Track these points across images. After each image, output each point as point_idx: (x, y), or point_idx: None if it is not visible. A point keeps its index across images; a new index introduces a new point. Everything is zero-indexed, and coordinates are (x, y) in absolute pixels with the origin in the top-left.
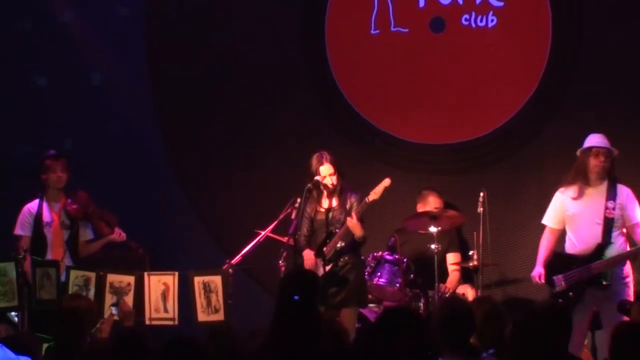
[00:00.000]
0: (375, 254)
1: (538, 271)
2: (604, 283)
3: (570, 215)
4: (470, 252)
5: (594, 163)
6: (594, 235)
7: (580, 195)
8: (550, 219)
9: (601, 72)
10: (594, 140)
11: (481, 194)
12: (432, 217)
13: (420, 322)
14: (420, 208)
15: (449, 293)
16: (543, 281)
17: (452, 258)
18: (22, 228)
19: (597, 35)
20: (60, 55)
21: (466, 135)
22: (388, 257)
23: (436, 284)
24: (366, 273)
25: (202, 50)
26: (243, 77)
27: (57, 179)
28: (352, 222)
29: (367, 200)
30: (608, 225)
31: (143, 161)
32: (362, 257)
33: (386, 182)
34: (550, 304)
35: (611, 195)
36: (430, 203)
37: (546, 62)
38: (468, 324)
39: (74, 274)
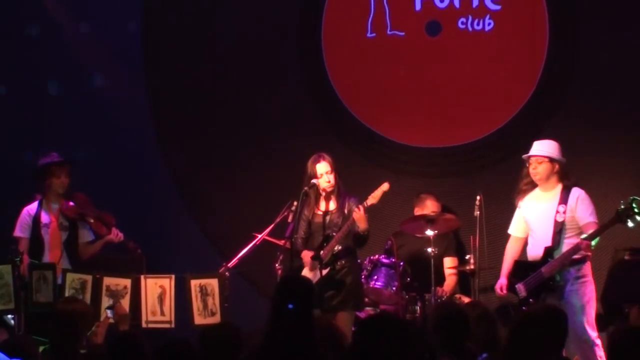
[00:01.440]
0: (371, 257)
1: (500, 283)
2: (553, 284)
3: (527, 221)
4: (467, 256)
5: (529, 171)
6: (546, 239)
7: (534, 201)
8: (513, 228)
9: (599, 74)
10: (531, 148)
11: (478, 198)
12: (428, 221)
13: (402, 327)
14: (418, 212)
15: (445, 297)
16: (505, 292)
17: (449, 262)
18: (21, 230)
19: (594, 37)
20: (57, 57)
21: (463, 138)
22: (385, 260)
23: (433, 287)
24: (363, 276)
25: (199, 53)
26: (240, 81)
27: (60, 184)
28: (359, 214)
29: (365, 204)
30: (557, 228)
31: (140, 164)
32: (359, 261)
33: (385, 186)
34: (546, 306)
35: (563, 199)
36: (428, 207)
37: (543, 64)
38: (462, 327)
39: (70, 277)
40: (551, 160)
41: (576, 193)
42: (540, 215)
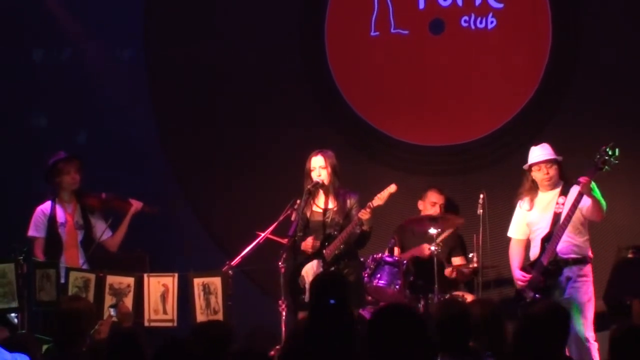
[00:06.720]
0: (374, 256)
1: (519, 274)
2: (554, 267)
3: (529, 224)
4: (471, 255)
5: (540, 177)
6: (544, 233)
7: (536, 204)
8: (514, 231)
9: (601, 74)
10: (534, 155)
11: (481, 196)
12: (431, 219)
13: (417, 319)
14: (420, 204)
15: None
16: (527, 277)
17: (457, 262)
18: (36, 230)
19: (597, 36)
20: (57, 45)
21: (466, 137)
22: (388, 258)
23: (435, 286)
24: (365, 275)
25: (202, 51)
26: (243, 79)
27: (71, 181)
28: (366, 215)
29: (371, 205)
30: (555, 219)
31: (142, 162)
32: (362, 259)
33: (392, 188)
34: (549, 305)
35: (563, 193)
36: (428, 197)
37: (546, 63)
38: (465, 325)
39: (73, 275)
40: (557, 161)
41: (577, 189)
42: (541, 213)
